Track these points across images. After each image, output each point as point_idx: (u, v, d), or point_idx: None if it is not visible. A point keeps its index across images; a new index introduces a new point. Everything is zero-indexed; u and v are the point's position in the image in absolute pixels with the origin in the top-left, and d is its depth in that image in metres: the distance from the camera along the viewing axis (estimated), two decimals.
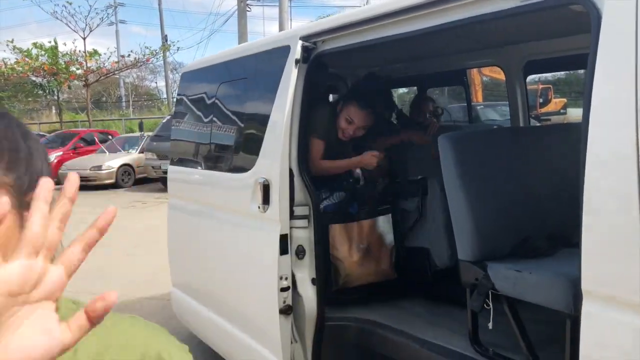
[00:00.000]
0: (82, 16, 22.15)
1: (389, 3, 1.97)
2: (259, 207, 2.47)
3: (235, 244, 2.79)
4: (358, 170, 2.72)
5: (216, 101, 3.07)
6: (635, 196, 1.23)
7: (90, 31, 21.67)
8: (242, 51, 2.93)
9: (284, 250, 2.37)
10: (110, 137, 17.00)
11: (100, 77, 21.99)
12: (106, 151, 14.98)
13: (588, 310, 1.40)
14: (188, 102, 3.49)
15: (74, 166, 14.23)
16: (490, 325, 2.03)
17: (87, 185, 13.82)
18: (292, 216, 2.41)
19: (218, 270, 3.01)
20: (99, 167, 13.86)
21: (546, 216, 2.24)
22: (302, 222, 2.43)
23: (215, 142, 3.07)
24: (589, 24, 1.39)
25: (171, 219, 3.62)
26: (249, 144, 2.72)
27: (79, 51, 20.51)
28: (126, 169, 14.27)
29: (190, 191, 3.44)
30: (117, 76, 29.52)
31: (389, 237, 2.78)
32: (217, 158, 3.09)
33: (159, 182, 13.52)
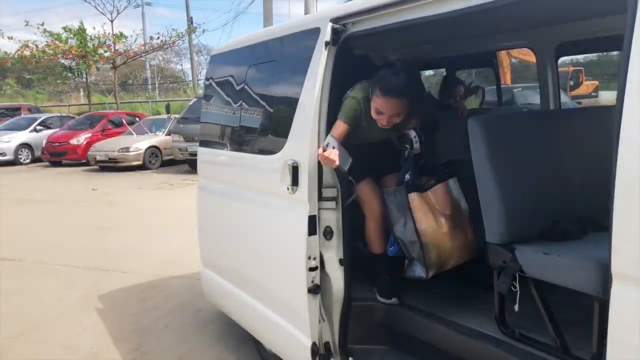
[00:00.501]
0: None
1: None
2: (288, 189, 2.51)
3: (264, 224, 2.85)
4: (413, 134, 2.51)
5: (246, 84, 3.11)
6: None
7: (118, 13, 21.95)
8: (272, 34, 2.95)
9: (312, 231, 2.41)
10: (137, 119, 17.26)
11: (128, 59, 22.27)
12: (134, 133, 15.24)
13: (617, 293, 1.41)
14: (217, 85, 3.54)
15: (102, 148, 14.54)
16: (516, 307, 2.04)
17: (116, 166, 14.12)
18: (320, 197, 2.45)
19: (247, 250, 3.08)
20: (127, 149, 14.12)
21: (575, 199, 2.23)
22: (330, 204, 2.46)
23: (245, 124, 3.11)
24: (623, 4, 1.38)
25: (201, 199, 3.70)
26: (279, 126, 2.75)
27: (108, 34, 20.79)
28: (153, 150, 14.52)
29: (219, 172, 3.51)
30: (143, 59, 29.82)
31: (463, 203, 2.53)
32: (246, 140, 3.14)
33: (185, 164, 13.74)
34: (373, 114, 2.49)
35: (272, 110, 2.87)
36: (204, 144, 3.73)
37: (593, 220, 2.14)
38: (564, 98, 12.84)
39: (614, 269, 1.40)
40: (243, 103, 3.12)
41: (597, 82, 19.19)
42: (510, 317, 2.17)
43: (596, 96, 17.95)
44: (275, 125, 2.83)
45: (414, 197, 2.39)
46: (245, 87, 3.11)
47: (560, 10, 2.61)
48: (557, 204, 2.20)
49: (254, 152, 3.00)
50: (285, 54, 2.78)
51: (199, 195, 3.73)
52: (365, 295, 2.69)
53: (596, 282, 1.68)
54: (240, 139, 3.23)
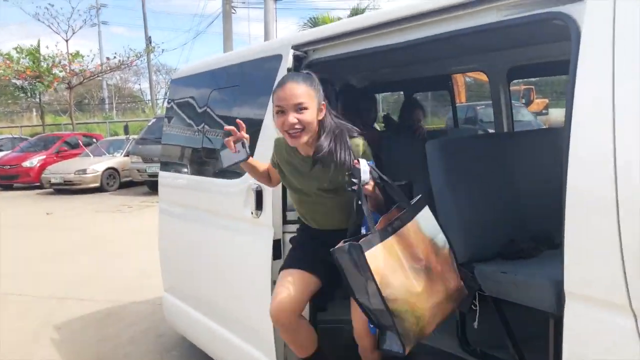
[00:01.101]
0: (65, 18, 22.01)
1: (379, 14, 2.04)
2: (252, 213, 2.52)
3: (228, 249, 2.83)
4: (364, 163, 1.86)
5: (208, 107, 3.11)
6: (613, 199, 1.30)
7: (73, 33, 21.56)
8: (234, 59, 2.97)
9: (277, 255, 2.42)
10: (94, 140, 16.89)
11: (84, 79, 21.82)
12: (90, 155, 14.89)
13: (571, 310, 1.47)
14: (179, 109, 3.52)
15: (57, 170, 14.11)
16: (475, 325, 2.10)
17: (71, 189, 13.71)
18: (285, 221, 2.47)
19: (211, 275, 3.05)
20: (84, 171, 13.76)
21: (531, 218, 2.32)
22: (294, 227, 2.48)
23: (208, 147, 3.11)
24: (567, 32, 1.47)
25: (162, 223, 3.65)
26: None
27: (63, 53, 20.34)
28: (111, 172, 14.19)
29: (182, 196, 3.47)
30: (100, 78, 29.28)
31: (441, 237, 1.87)
32: (209, 164, 3.13)
33: (144, 185, 13.48)
34: (277, 124, 2.00)
35: None
36: (165, 166, 3.69)
37: (548, 238, 2.24)
38: (529, 117, 13.50)
39: (567, 286, 1.47)
40: (206, 126, 3.12)
41: (547, 100, 19.93)
42: (472, 335, 2.22)
43: (547, 113, 18.59)
44: None
45: (372, 255, 1.69)
46: (208, 110, 3.11)
47: (512, 37, 2.75)
48: (513, 223, 2.29)
49: (217, 176, 2.99)
50: (248, 79, 2.81)
51: (160, 218, 3.67)
52: (331, 317, 2.70)
53: (551, 299, 1.75)
54: (203, 163, 3.22)
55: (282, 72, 2.41)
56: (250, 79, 2.77)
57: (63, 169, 14.08)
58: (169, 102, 3.73)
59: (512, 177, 2.36)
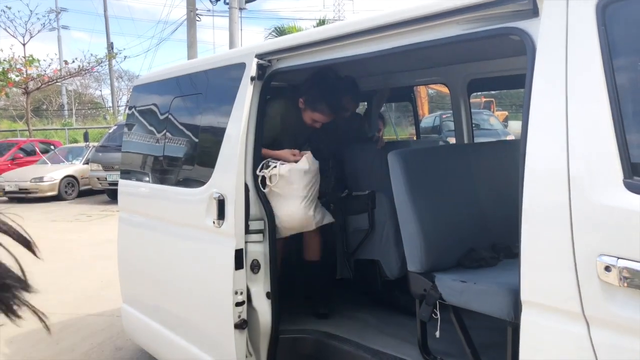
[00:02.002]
0: (22, 21, 21.32)
1: (342, 26, 2.06)
2: (214, 222, 2.48)
3: (189, 259, 2.78)
4: None
5: (170, 115, 3.06)
6: (567, 209, 1.34)
7: (31, 37, 20.93)
8: (197, 66, 2.94)
9: (239, 264, 2.39)
10: (52, 147, 16.41)
11: (42, 85, 21.18)
12: (48, 162, 14.44)
13: (527, 318, 1.50)
14: (141, 116, 3.46)
15: (12, 178, 13.62)
16: (437, 334, 2.12)
17: (27, 197, 13.25)
18: (247, 230, 2.44)
19: (172, 286, 2.98)
20: (41, 179, 13.31)
21: (490, 228, 2.37)
22: (257, 237, 2.46)
23: (169, 156, 3.06)
24: (523, 47, 1.52)
25: (122, 233, 3.56)
26: (204, 159, 2.73)
27: (19, 57, 19.70)
28: (70, 180, 13.78)
29: (142, 205, 3.40)
30: (59, 83, 28.47)
31: None
32: (171, 172, 3.08)
33: (104, 194, 13.15)
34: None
35: (197, 143, 2.84)
36: (126, 175, 3.61)
37: (507, 248, 2.29)
38: (498, 125, 13.97)
39: (523, 295, 1.50)
40: (168, 134, 3.07)
41: (507, 113, 20.50)
42: (433, 343, 2.24)
43: (506, 125, 19.13)
44: (201, 158, 2.80)
45: None
46: (170, 119, 3.07)
47: (471, 51, 2.82)
48: (473, 232, 2.32)
49: (178, 185, 2.95)
50: (211, 87, 2.78)
51: (119, 228, 3.58)
52: (293, 327, 2.69)
53: (508, 307, 1.78)
54: (164, 171, 3.16)
55: (245, 80, 2.40)
56: (213, 87, 2.75)
57: (18, 177, 13.59)
58: (130, 109, 3.66)
59: (472, 187, 2.41)
